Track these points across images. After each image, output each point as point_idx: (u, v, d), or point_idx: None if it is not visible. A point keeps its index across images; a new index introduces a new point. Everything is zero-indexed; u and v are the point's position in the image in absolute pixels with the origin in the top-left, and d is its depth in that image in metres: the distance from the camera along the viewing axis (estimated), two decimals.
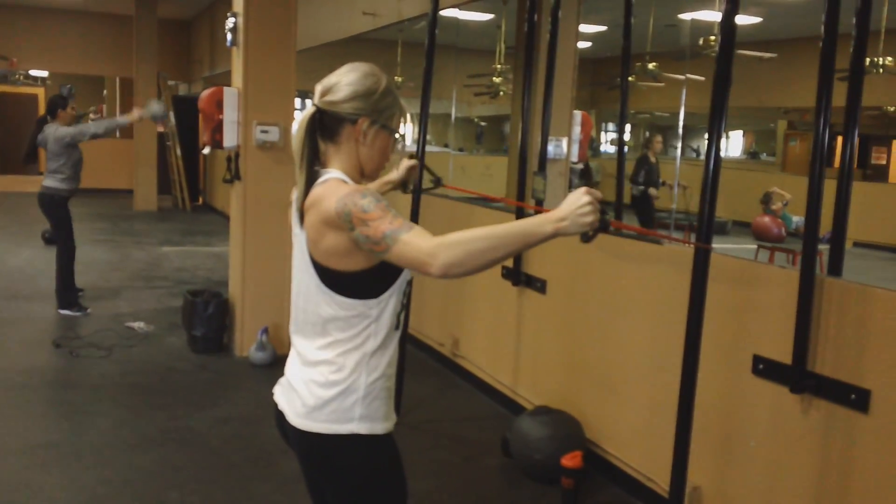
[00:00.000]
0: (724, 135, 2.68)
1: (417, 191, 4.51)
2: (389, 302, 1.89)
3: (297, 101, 6.22)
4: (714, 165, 2.65)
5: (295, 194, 1.93)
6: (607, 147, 21.28)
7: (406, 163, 2.68)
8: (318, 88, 1.93)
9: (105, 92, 19.11)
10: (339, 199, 1.77)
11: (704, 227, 2.66)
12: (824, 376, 2.85)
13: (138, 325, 6.33)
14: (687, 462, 2.86)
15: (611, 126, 21.76)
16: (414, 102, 5.22)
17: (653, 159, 9.45)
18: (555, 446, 3.85)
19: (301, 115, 1.91)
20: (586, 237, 1.67)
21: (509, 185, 7.17)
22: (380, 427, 1.92)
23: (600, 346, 4.11)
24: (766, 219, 9.52)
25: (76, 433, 4.31)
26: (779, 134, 17.74)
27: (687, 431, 2.83)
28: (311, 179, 1.88)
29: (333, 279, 1.85)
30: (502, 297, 4.91)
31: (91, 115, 20.42)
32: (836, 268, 2.88)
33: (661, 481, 3.60)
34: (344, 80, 1.91)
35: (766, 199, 10.43)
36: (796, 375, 2.89)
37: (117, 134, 17.30)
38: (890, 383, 2.67)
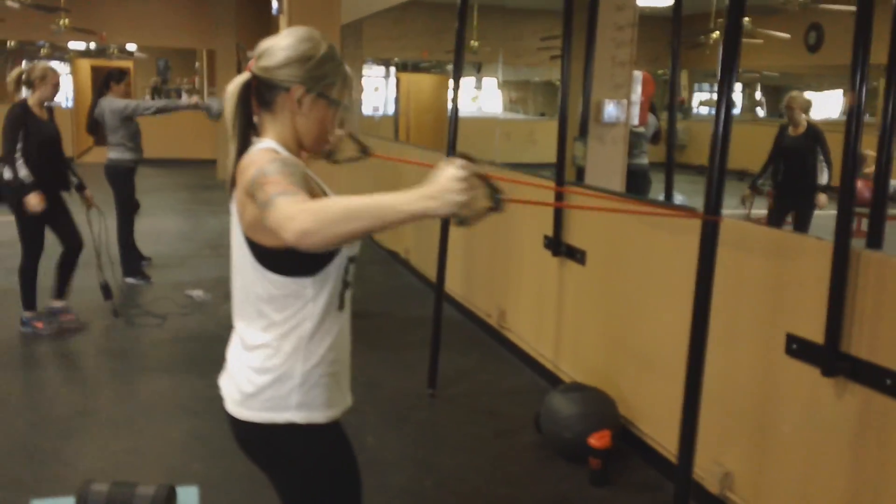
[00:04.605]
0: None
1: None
2: (327, 281, 1.77)
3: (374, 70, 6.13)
4: (724, 127, 2.41)
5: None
6: (699, 109, 20.53)
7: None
8: (254, 53, 1.82)
9: (197, 64, 19.49)
10: (256, 166, 1.64)
11: (713, 196, 2.44)
12: (860, 359, 2.60)
13: (196, 293, 6.41)
14: (694, 444, 2.68)
15: (705, 86, 20.99)
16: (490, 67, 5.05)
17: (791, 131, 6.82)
18: (585, 424, 3.69)
19: (233, 81, 1.80)
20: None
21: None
22: (320, 416, 1.81)
23: (639, 320, 3.91)
24: (858, 182, 8.97)
25: (115, 401, 4.38)
26: (881, 92, 16.77)
27: (694, 412, 2.64)
28: (242, 150, 1.77)
29: (265, 255, 1.74)
30: (545, 267, 4.74)
31: (184, 89, 20.92)
32: (875, 240, 2.61)
33: (697, 466, 3.39)
34: (278, 45, 1.78)
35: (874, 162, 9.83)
36: (829, 357, 2.65)
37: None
38: None
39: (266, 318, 1.78)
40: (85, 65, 17.80)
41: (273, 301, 1.76)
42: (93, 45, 17.16)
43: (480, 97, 21.83)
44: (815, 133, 6.30)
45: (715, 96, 2.44)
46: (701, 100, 21.04)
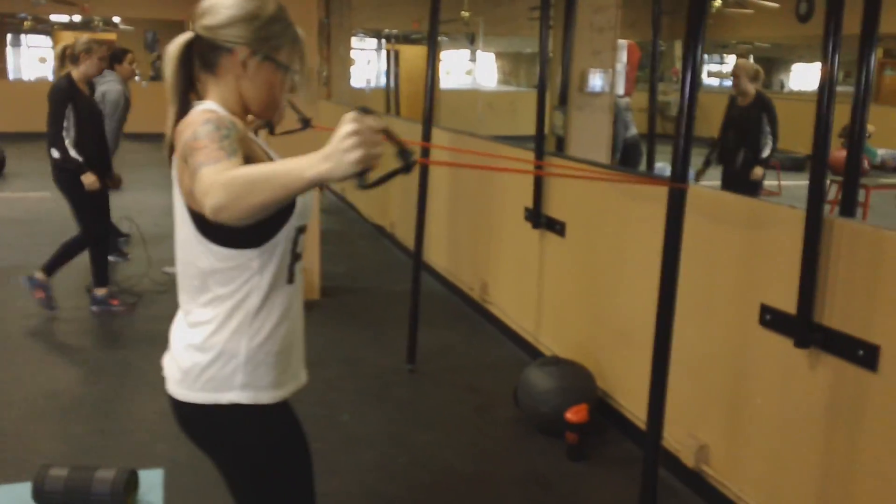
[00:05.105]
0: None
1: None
2: (275, 252, 1.69)
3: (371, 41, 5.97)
4: (690, 94, 2.32)
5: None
6: (708, 80, 20.38)
7: None
8: (196, 11, 1.72)
9: None
10: (191, 129, 1.55)
11: (679, 163, 2.36)
12: (832, 329, 2.54)
13: (173, 269, 6.29)
14: (663, 412, 2.62)
15: (714, 57, 20.80)
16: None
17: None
18: (561, 399, 3.63)
19: (173, 41, 1.70)
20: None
21: None
22: (265, 396, 1.73)
23: (617, 292, 3.85)
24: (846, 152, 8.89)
25: (81, 382, 4.31)
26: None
27: (663, 379, 2.58)
28: (181, 114, 1.67)
29: (207, 225, 1.64)
30: (525, 239, 4.66)
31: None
32: (848, 208, 2.54)
33: (673, 439, 3.34)
34: (222, 2, 1.68)
35: (846, 133, 9.77)
36: (801, 328, 2.59)
37: None
38: None
39: (209, 292, 1.70)
40: (69, 38, 17.57)
41: (217, 274, 1.68)
42: (77, 18, 16.93)
43: (475, 69, 21.63)
44: (762, 103, 5.97)
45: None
46: (709, 70, 20.92)
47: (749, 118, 5.93)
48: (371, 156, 1.24)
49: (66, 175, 5.07)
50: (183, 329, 1.77)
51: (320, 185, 1.29)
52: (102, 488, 2.56)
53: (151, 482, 2.72)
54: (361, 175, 1.25)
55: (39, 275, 5.24)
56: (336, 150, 1.24)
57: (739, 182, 5.85)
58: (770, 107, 5.95)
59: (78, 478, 2.62)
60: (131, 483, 2.63)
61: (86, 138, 5.03)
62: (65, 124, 4.94)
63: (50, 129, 4.98)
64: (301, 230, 1.75)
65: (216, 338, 1.70)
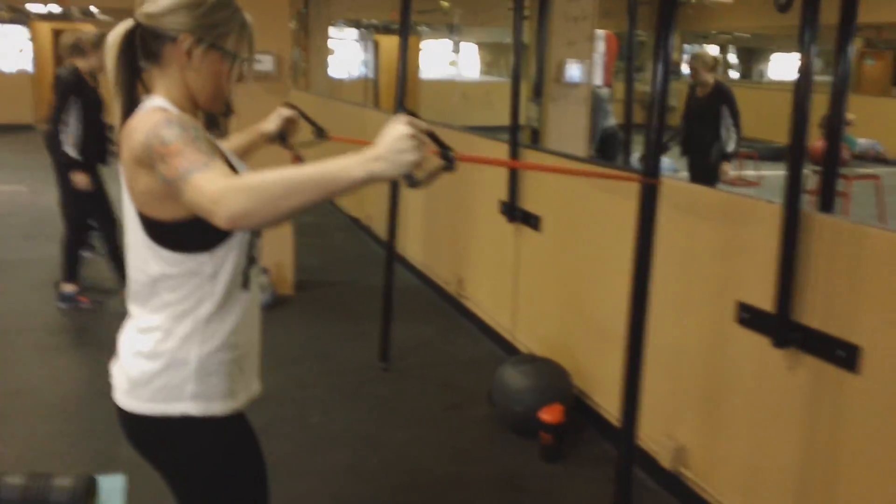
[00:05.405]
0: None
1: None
2: (228, 257, 1.60)
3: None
4: (661, 87, 2.25)
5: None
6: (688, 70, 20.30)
7: (281, 112, 2.18)
8: None
9: None
10: (146, 130, 1.47)
11: (651, 158, 2.28)
12: (812, 329, 2.47)
13: None
14: (636, 410, 2.56)
15: (687, 47, 20.80)
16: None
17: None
18: (536, 398, 3.55)
19: (114, 30, 1.60)
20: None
21: None
22: (218, 407, 1.64)
23: (593, 288, 3.77)
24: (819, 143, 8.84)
25: (50, 380, 4.19)
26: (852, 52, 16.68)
27: (636, 378, 2.52)
28: (129, 109, 1.58)
29: (156, 230, 1.56)
30: (501, 234, 4.57)
31: None
32: (827, 201, 2.47)
33: (649, 440, 3.27)
34: None
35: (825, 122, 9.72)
36: (780, 327, 2.52)
37: None
38: (883, 340, 2.28)
39: (159, 297, 1.61)
40: (45, 28, 17.29)
41: (167, 280, 1.60)
42: (55, 8, 16.63)
43: (458, 60, 21.47)
44: (721, 93, 5.79)
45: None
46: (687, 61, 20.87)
47: (709, 108, 5.78)
48: (425, 157, 1.29)
49: (62, 166, 5.01)
50: (132, 335, 1.68)
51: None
52: (61, 497, 2.46)
53: (112, 488, 2.62)
54: (411, 175, 1.31)
55: (66, 287, 5.21)
56: (391, 151, 1.28)
57: (710, 175, 5.73)
58: (730, 97, 5.80)
59: (35, 486, 2.52)
60: (91, 490, 2.53)
61: (90, 132, 4.94)
62: (64, 117, 4.84)
63: (50, 120, 4.91)
64: (257, 233, 1.67)
65: (165, 345, 1.61)
